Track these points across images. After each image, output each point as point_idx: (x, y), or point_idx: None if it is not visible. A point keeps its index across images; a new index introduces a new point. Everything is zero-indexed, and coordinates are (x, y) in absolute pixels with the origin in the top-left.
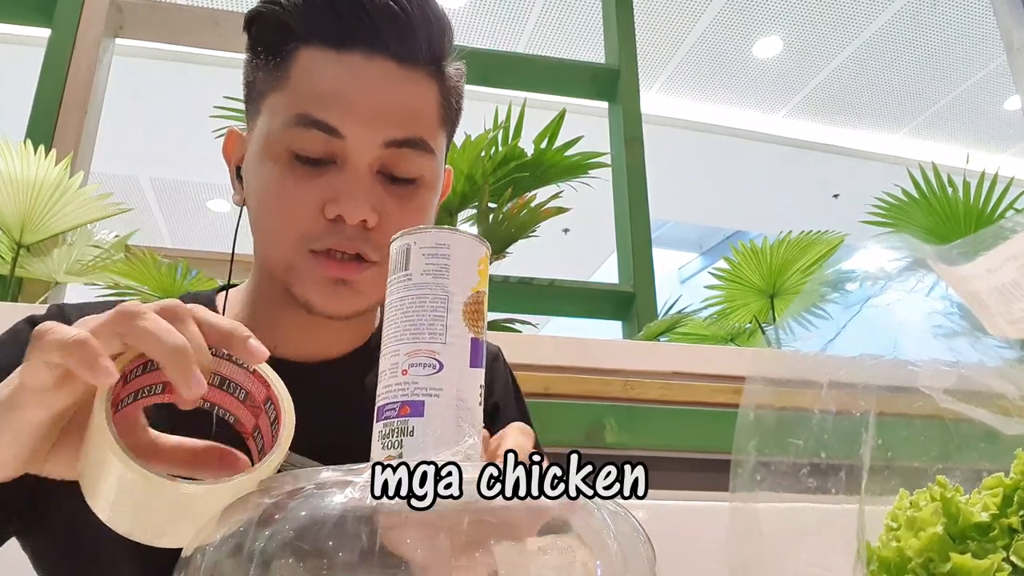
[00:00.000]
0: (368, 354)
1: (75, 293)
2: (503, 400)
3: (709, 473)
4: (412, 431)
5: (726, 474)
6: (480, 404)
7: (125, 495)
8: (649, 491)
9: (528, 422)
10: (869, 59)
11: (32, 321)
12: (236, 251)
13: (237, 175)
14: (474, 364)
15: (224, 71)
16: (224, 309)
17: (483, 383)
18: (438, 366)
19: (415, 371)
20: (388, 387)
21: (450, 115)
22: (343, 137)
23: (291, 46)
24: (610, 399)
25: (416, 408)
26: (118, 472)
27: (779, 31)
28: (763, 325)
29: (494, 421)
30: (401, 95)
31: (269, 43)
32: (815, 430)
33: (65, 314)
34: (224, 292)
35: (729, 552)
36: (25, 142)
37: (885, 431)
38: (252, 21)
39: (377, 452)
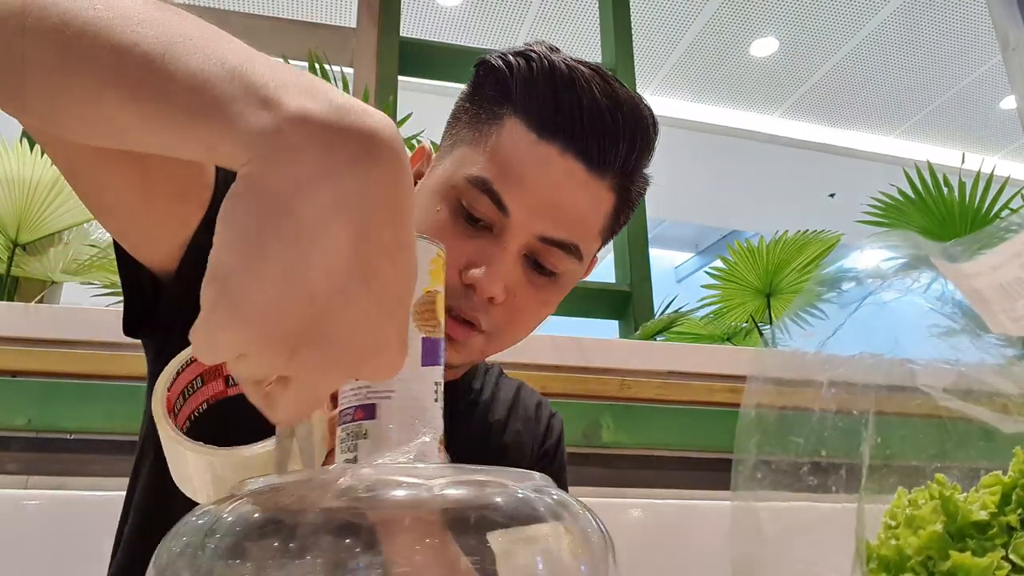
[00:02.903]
0: (462, 386)
1: (71, 292)
2: (553, 452)
3: (705, 472)
4: (366, 434)
5: (722, 473)
6: (436, 401)
7: (202, 473)
8: (645, 490)
9: (564, 481)
10: (865, 59)
11: None
12: None
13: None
14: (428, 363)
15: None
16: None
17: (439, 380)
18: None
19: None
20: (344, 393)
21: (615, 228)
22: (508, 215)
23: (503, 110)
24: (606, 398)
25: (368, 411)
26: (188, 458)
27: (775, 31)
28: (759, 324)
29: (540, 466)
30: (576, 199)
31: (486, 95)
32: (815, 428)
33: None
34: None
35: (731, 549)
36: (21, 141)
37: (884, 429)
38: (481, 66)
39: (337, 456)
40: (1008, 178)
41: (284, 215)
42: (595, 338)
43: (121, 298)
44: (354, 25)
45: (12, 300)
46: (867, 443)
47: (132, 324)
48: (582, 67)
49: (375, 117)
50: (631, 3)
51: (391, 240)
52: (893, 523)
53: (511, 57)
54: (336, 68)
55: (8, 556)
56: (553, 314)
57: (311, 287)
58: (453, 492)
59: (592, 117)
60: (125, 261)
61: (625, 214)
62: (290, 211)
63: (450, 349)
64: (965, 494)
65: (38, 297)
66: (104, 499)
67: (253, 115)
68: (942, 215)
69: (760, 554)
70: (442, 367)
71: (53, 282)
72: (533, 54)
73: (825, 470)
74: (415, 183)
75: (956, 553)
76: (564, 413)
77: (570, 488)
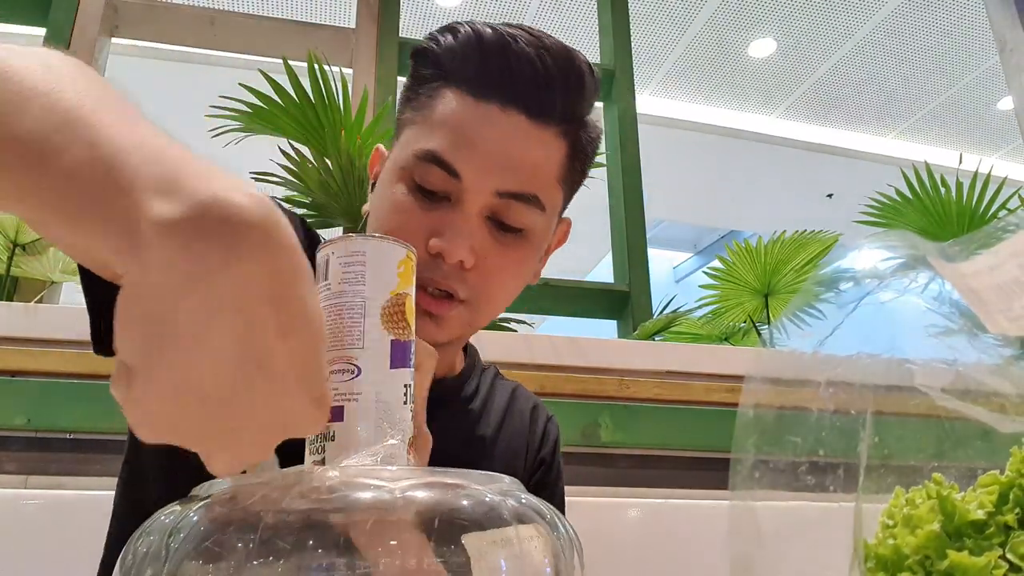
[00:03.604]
0: (456, 387)
1: (71, 292)
2: (549, 461)
3: (703, 471)
4: (333, 435)
5: (721, 472)
6: (406, 404)
7: None
8: (644, 489)
9: (561, 490)
10: (863, 60)
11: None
12: None
13: (372, 188)
14: (396, 365)
15: (220, 71)
16: None
17: (409, 382)
18: (356, 371)
19: (335, 378)
20: None
21: (573, 175)
22: (460, 179)
23: (438, 84)
24: (605, 398)
25: (336, 413)
26: None
27: (773, 32)
28: (757, 324)
29: (537, 475)
30: (526, 150)
31: (422, 77)
32: (813, 428)
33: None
34: None
35: (730, 549)
36: None
37: (882, 429)
38: (415, 55)
39: (306, 457)
40: (1005, 178)
41: (165, 323)
42: (593, 338)
43: None
44: (353, 26)
45: (11, 300)
46: (865, 443)
47: (101, 343)
48: (507, 27)
49: (241, 203)
50: (630, 4)
51: (278, 325)
52: (891, 523)
53: (437, 34)
54: (335, 69)
55: (7, 556)
56: (551, 314)
57: (202, 390)
58: (418, 495)
59: (524, 68)
60: (85, 273)
61: (581, 161)
62: (169, 320)
63: (433, 327)
64: (962, 493)
65: (37, 297)
66: (103, 499)
67: (120, 224)
68: (939, 215)
69: (758, 553)
70: (411, 370)
71: (52, 282)
72: (457, 25)
73: (823, 469)
74: (374, 185)
75: (954, 552)
76: (562, 413)
77: (569, 488)
